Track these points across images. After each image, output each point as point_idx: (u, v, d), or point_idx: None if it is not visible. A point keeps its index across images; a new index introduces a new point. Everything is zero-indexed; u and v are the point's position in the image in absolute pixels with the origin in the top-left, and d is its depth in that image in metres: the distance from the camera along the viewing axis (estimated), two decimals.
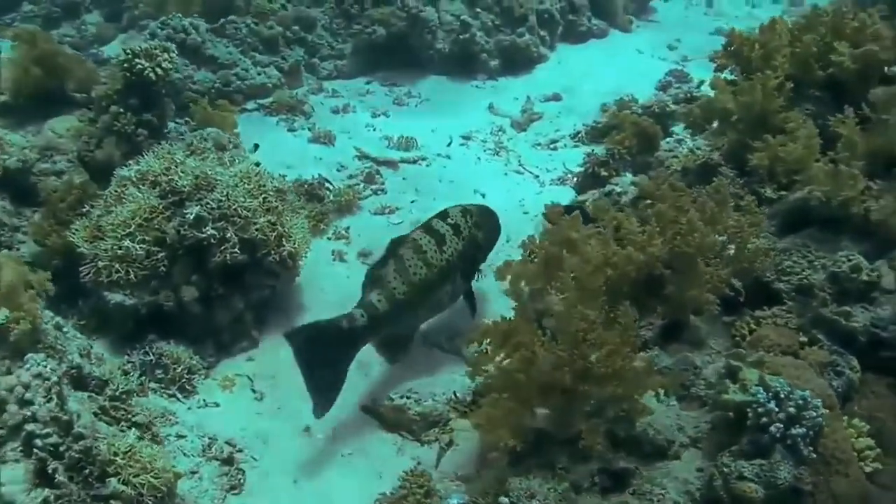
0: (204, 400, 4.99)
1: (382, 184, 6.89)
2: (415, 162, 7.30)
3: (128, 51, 5.87)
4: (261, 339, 5.39)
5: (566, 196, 6.78)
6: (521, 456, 3.83)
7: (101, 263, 5.01)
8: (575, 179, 6.56)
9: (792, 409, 3.52)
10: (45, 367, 3.95)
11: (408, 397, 4.99)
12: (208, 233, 5.02)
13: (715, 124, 5.96)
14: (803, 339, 4.33)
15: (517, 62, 9.21)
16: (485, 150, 7.65)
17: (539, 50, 9.29)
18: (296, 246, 5.30)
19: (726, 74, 5.98)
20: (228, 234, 5.05)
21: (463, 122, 8.04)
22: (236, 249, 5.06)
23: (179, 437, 4.68)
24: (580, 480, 3.67)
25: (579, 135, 7.89)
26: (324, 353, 4.62)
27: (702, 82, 7.92)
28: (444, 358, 5.38)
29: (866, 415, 4.03)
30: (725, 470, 3.55)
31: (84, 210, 5.32)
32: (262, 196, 5.24)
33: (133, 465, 3.88)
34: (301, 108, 7.95)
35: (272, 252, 5.20)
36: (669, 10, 11.47)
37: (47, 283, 4.45)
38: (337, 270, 5.96)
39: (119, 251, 5.00)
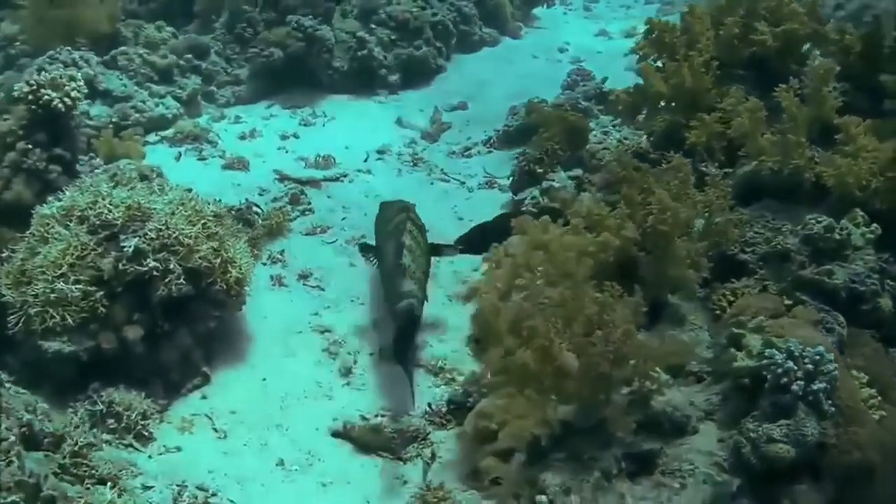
0: (164, 446, 4.63)
1: (309, 204, 6.63)
2: (337, 179, 7.08)
3: (31, 81, 5.45)
4: (212, 375, 5.04)
5: (497, 199, 6.72)
6: (537, 451, 3.70)
7: (32, 311, 4.60)
8: (509, 181, 6.42)
9: (809, 366, 3.52)
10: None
11: (382, 415, 4.76)
12: (150, 265, 4.67)
13: (644, 111, 6.00)
14: (788, 302, 4.34)
15: (416, 75, 9.09)
16: (402, 163, 7.49)
17: (437, 61, 9.18)
18: (242, 272, 4.99)
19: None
20: (171, 265, 4.71)
21: (374, 137, 7.87)
22: (181, 280, 4.73)
23: (146, 488, 4.32)
24: (609, 468, 3.55)
25: (491, 140, 7.84)
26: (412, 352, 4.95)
27: (605, 79, 8.00)
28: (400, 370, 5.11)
29: (862, 365, 4.05)
30: (752, 436, 3.51)
31: (3, 255, 4.88)
32: (202, 222, 4.92)
33: None
34: (206, 136, 7.60)
35: (218, 280, 4.89)
36: (551, 16, 11.55)
37: None
38: (278, 296, 5.67)
39: (52, 295, 4.60)
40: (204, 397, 4.95)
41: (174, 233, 4.74)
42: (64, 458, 3.96)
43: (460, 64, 9.46)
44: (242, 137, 7.84)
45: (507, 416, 3.51)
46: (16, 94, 5.55)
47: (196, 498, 4.27)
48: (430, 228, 6.17)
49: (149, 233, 4.71)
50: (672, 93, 5.61)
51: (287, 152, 7.53)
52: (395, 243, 5.03)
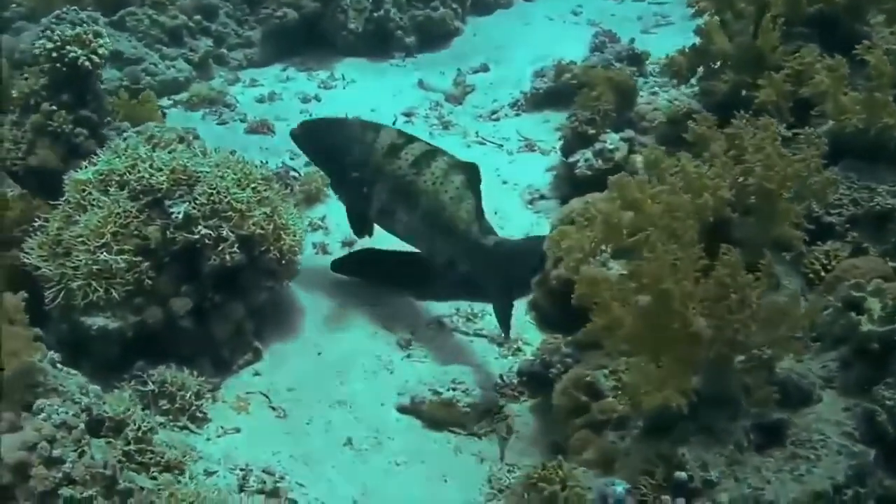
0: (221, 427, 4.30)
1: None
2: None
3: (55, 38, 5.03)
4: (264, 349, 4.71)
5: (540, 162, 6.43)
6: (658, 424, 3.42)
7: (74, 284, 4.22)
8: (559, 144, 6.10)
9: None
10: (67, 413, 3.23)
11: (454, 389, 4.44)
12: (201, 233, 4.31)
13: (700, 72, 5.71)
14: (893, 264, 4.08)
15: (433, 37, 8.71)
16: (430, 126, 7.14)
17: (454, 23, 8.82)
18: (296, 239, 4.64)
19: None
20: (224, 232, 4.36)
21: (398, 100, 7.52)
22: (235, 249, 4.37)
23: (209, 473, 3.98)
24: (740, 440, 3.27)
25: (518, 103, 7.51)
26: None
27: (633, 40, 7.71)
28: (463, 341, 4.94)
29: None
30: (889, 403, 3.24)
31: (35, 225, 4.49)
32: (252, 186, 4.56)
33: None
34: (222, 100, 7.21)
35: (271, 248, 4.54)
36: None
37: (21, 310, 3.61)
38: (323, 263, 5.32)
39: (95, 267, 4.23)
40: (257, 374, 4.63)
41: (225, 197, 4.39)
42: (128, 444, 3.60)
43: (476, 26, 9.10)
44: (261, 101, 7.45)
45: (641, 386, 3.19)
46: (37, 51, 5.12)
47: (264, 483, 3.94)
48: None
49: (198, 198, 4.35)
50: (737, 51, 5.31)
51: (310, 114, 7.14)
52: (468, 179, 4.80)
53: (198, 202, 4.33)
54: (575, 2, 9.66)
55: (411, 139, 5.02)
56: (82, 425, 3.22)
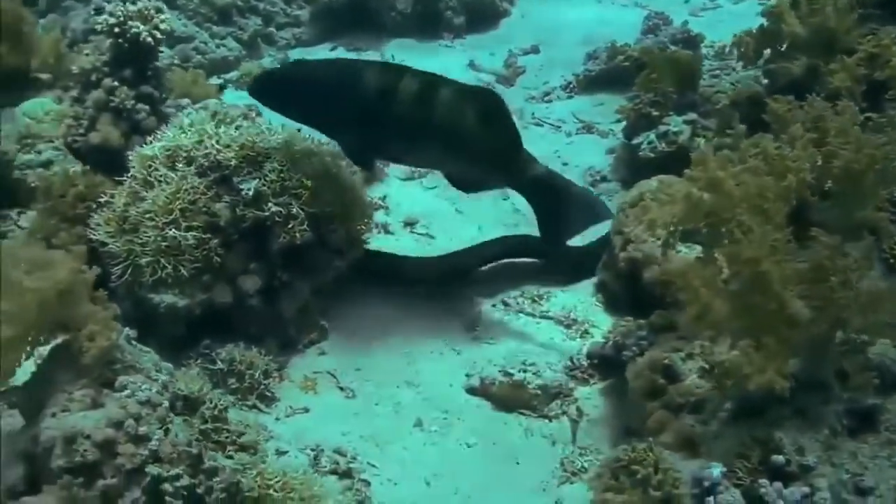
0: (290, 407, 4.25)
1: None
2: None
3: (118, 13, 4.96)
4: (330, 329, 4.64)
5: (599, 145, 6.35)
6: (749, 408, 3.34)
7: (143, 260, 4.17)
8: (625, 124, 6.01)
9: None
10: (151, 390, 3.18)
11: (524, 370, 4.37)
12: (271, 210, 4.25)
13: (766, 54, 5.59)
14: None
15: (482, 18, 8.65)
16: None
17: (503, 4, 8.75)
18: (364, 217, 4.58)
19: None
20: (294, 210, 4.29)
21: None
22: (305, 226, 4.31)
23: (280, 453, 3.93)
24: (834, 425, 3.20)
25: (571, 85, 7.43)
26: None
27: (685, 22, 7.61)
28: (530, 322, 4.83)
29: None
30: None
31: (101, 201, 4.43)
32: (322, 162, 4.49)
33: (293, 500, 3.15)
34: None
35: (340, 227, 4.48)
36: None
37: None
38: (386, 244, 5.26)
39: (164, 243, 4.18)
40: (323, 353, 4.56)
41: (296, 174, 4.32)
42: (204, 422, 3.53)
43: (524, 7, 9.02)
44: None
45: (742, 368, 3.11)
46: (99, 26, 5.07)
47: (337, 463, 3.88)
48: None
49: (268, 174, 4.29)
50: (810, 34, 5.20)
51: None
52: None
53: (268, 179, 4.26)
54: None
55: (400, 72, 4.46)
56: (166, 403, 3.16)
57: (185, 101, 5.39)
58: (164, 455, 3.03)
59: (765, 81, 5.60)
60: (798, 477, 3.08)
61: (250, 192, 4.23)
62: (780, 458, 3.06)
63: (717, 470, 3.06)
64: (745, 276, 3.19)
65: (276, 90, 4.62)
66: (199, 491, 3.03)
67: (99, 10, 6.63)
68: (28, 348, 3.11)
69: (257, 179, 4.26)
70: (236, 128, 4.56)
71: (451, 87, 4.38)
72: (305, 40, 8.12)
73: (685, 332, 3.80)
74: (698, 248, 4.43)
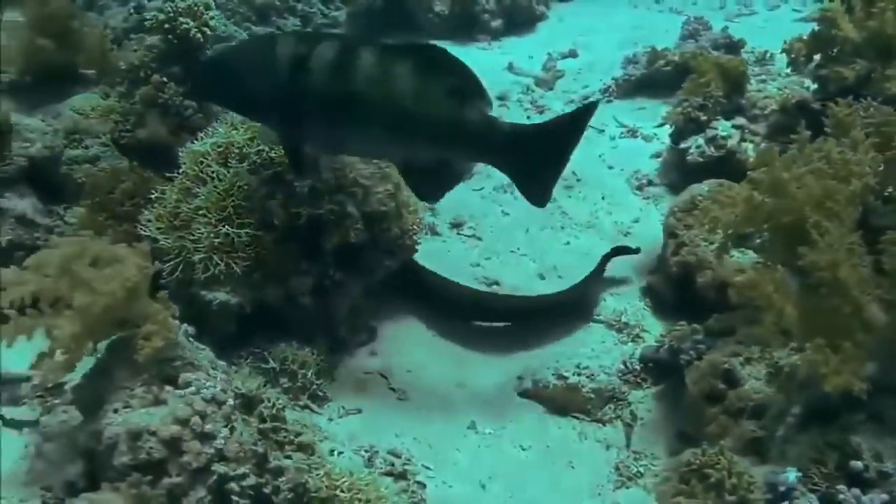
0: (342, 407, 4.20)
1: None
2: None
3: (168, 9, 4.94)
4: (380, 330, 4.60)
5: (644, 149, 6.30)
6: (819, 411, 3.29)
7: (195, 257, 4.13)
8: (670, 128, 5.95)
9: None
10: (216, 388, 3.13)
11: (578, 373, 4.33)
12: (326, 208, 4.20)
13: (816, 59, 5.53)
14: None
15: (519, 21, 8.63)
16: (525, 110, 7.03)
17: (539, 7, 8.72)
18: (416, 218, 4.54)
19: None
20: (349, 208, 4.24)
21: (488, 83, 7.31)
22: (359, 225, 4.26)
23: (335, 454, 3.88)
24: None
25: (610, 89, 7.37)
26: None
27: (726, 27, 7.58)
28: (581, 326, 4.80)
29: None
30: None
31: (152, 197, 4.40)
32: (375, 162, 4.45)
33: (360, 502, 3.11)
34: None
35: (393, 227, 4.43)
36: None
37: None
38: (434, 245, 5.23)
39: (216, 240, 4.13)
40: (373, 354, 4.51)
41: (350, 173, 4.28)
42: (263, 421, 3.49)
43: (560, 11, 9.01)
44: None
45: (818, 369, 3.06)
46: (148, 22, 5.05)
47: (392, 465, 3.84)
48: (580, 177, 5.82)
49: (323, 172, 4.24)
50: (865, 39, 5.14)
51: None
52: None
53: (323, 177, 4.21)
54: None
55: (316, 40, 3.76)
56: (231, 400, 3.12)
57: None
58: (230, 454, 2.98)
59: (813, 87, 5.56)
60: (876, 483, 3.03)
61: (305, 190, 4.17)
62: (858, 464, 3.01)
63: (792, 475, 3.01)
64: (823, 279, 3.14)
65: (207, 82, 4.12)
66: (266, 491, 2.99)
67: (139, 9, 6.68)
68: (91, 344, 3.07)
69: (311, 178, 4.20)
70: None
71: (377, 48, 3.64)
72: None
73: (755, 338, 3.74)
74: (750, 252, 4.43)
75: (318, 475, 3.06)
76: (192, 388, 3.10)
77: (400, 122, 3.67)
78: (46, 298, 3.01)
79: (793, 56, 5.45)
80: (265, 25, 7.56)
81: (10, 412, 4.02)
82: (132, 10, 6.91)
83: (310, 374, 4.16)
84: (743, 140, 5.58)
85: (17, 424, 4.01)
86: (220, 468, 2.93)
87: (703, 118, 5.59)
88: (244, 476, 2.96)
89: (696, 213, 4.57)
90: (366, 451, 3.91)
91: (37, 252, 3.15)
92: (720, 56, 6.11)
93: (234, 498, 2.92)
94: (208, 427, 2.99)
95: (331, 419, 4.12)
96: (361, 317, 4.55)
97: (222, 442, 2.98)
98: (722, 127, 5.59)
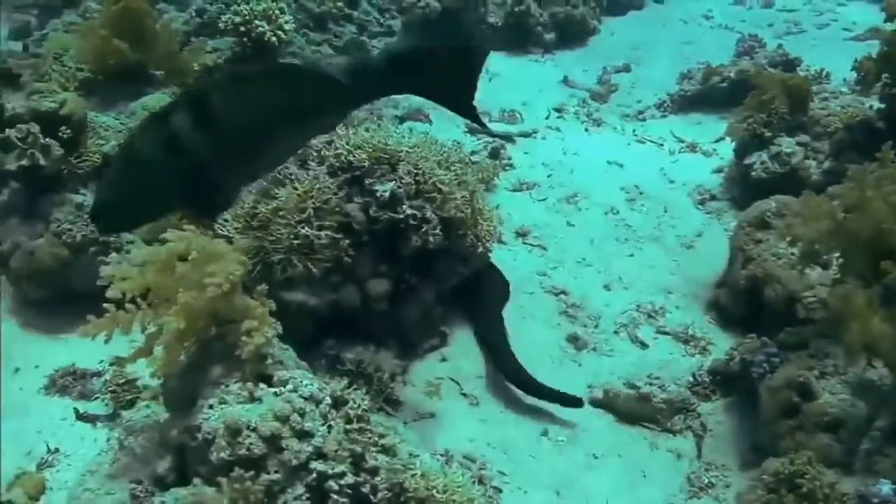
0: (416, 411, 4.22)
1: (509, 158, 6.21)
2: (528, 135, 6.66)
3: (244, 12, 5.00)
4: (450, 336, 4.62)
5: (704, 164, 6.33)
6: None
7: (274, 258, 4.17)
8: (732, 144, 5.97)
9: None
10: (314, 386, 3.15)
11: (650, 383, 4.36)
12: (406, 213, 4.24)
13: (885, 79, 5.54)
14: None
15: (572, 34, 8.70)
16: (583, 122, 7.06)
17: (592, 21, 8.77)
18: (491, 225, 4.57)
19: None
20: (428, 214, 4.28)
21: (544, 95, 7.47)
22: (437, 231, 4.29)
23: (412, 457, 3.88)
24: None
25: (664, 104, 7.41)
26: None
27: (780, 45, 7.61)
28: (647, 336, 4.82)
29: None
30: None
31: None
32: (452, 168, 4.49)
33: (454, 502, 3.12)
34: None
35: (468, 233, 4.46)
36: None
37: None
38: (500, 254, 5.23)
39: (295, 241, 4.17)
40: (444, 359, 4.53)
41: (430, 178, 4.31)
42: (350, 422, 3.51)
43: (611, 26, 9.07)
44: None
45: None
46: (223, 24, 5.11)
47: (468, 469, 3.86)
48: (643, 190, 5.85)
49: (403, 177, 4.28)
50: None
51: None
52: None
53: (403, 182, 4.25)
54: (704, 6, 9.61)
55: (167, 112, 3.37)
56: (328, 399, 3.13)
57: None
58: (328, 452, 2.99)
59: (878, 106, 5.57)
60: None
61: (386, 194, 4.20)
62: None
63: (886, 486, 3.02)
64: None
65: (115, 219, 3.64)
66: (364, 490, 2.99)
67: (201, 13, 6.72)
68: (191, 340, 3.10)
69: (393, 182, 4.23)
70: (366, 129, 4.55)
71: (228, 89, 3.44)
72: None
73: (789, 340, 3.76)
74: (818, 268, 4.45)
75: (416, 476, 3.06)
76: (290, 386, 3.11)
77: (300, 121, 3.56)
78: (150, 293, 3.04)
79: (863, 74, 5.47)
80: (322, 33, 7.61)
81: (84, 406, 4.10)
82: (194, 14, 6.97)
83: (385, 377, 4.19)
84: (807, 157, 5.59)
85: (91, 418, 4.08)
86: (318, 466, 2.94)
87: (768, 134, 5.61)
88: (342, 474, 2.96)
89: (776, 226, 4.59)
90: (441, 456, 3.94)
91: (134, 247, 3.19)
92: (784, 74, 6.13)
93: (334, 496, 2.91)
94: (307, 425, 3.00)
95: (405, 423, 4.14)
96: (432, 322, 4.56)
97: (321, 440, 2.99)
98: (786, 144, 5.60)
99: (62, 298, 4.52)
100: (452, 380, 4.41)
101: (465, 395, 4.36)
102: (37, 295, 4.62)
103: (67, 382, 4.24)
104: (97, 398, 4.16)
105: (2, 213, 4.89)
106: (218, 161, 3.45)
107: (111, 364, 4.27)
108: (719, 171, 6.14)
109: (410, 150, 4.40)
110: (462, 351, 4.57)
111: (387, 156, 4.35)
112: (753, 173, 5.56)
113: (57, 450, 3.87)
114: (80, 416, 4.09)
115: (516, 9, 8.25)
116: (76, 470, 3.66)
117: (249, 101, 3.42)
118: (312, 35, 7.50)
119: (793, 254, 4.51)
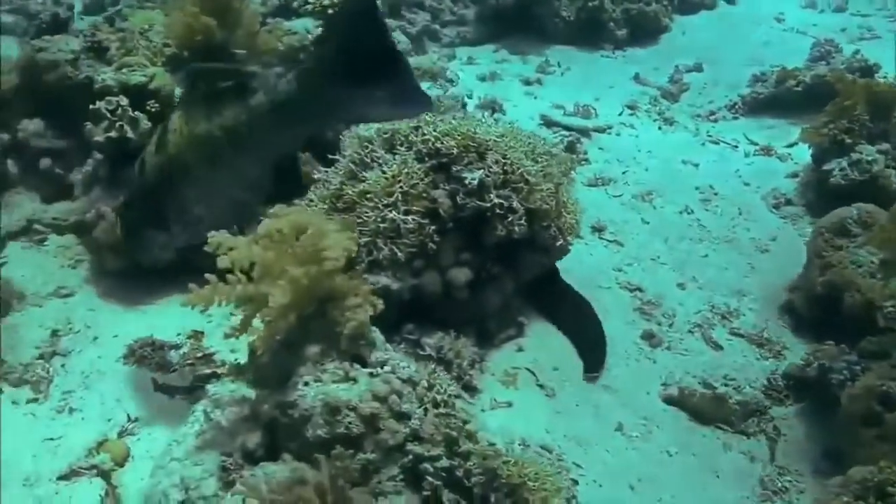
0: (494, 399, 4.24)
1: (585, 153, 6.22)
2: (603, 130, 6.65)
3: None
4: (527, 326, 4.64)
5: (778, 167, 6.30)
6: None
7: (362, 240, 4.20)
8: (809, 149, 5.94)
9: None
10: (411, 368, 3.18)
11: (726, 384, 4.36)
12: (493, 202, 4.25)
13: None
14: None
15: (644, 32, 8.67)
16: (654, 121, 7.05)
17: (665, 19, 8.73)
18: (575, 218, 4.57)
19: None
20: (514, 203, 4.28)
21: (615, 92, 7.46)
22: (523, 221, 4.30)
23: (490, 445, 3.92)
24: None
25: (736, 106, 7.36)
26: None
27: (857, 51, 7.52)
28: (721, 338, 4.82)
29: None
30: None
31: (314, 177, 4.49)
32: (538, 159, 4.49)
33: (547, 491, 3.12)
34: (444, 74, 7.19)
35: (552, 225, 4.47)
36: None
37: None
38: (576, 248, 5.22)
39: (382, 225, 4.19)
40: (520, 349, 4.54)
41: (518, 168, 4.32)
42: (436, 406, 3.54)
43: (683, 25, 9.03)
44: (483, 79, 7.45)
45: None
46: (310, 6, 5.14)
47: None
48: (717, 191, 5.84)
49: (492, 166, 4.29)
50: None
51: (535, 98, 7.11)
52: None
53: (492, 171, 4.26)
54: (776, 8, 9.51)
55: None
56: (425, 382, 3.17)
57: None
58: (424, 434, 3.02)
59: None
60: None
61: (474, 182, 4.21)
62: None
63: None
64: None
65: None
66: (458, 474, 3.01)
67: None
68: (293, 317, 3.12)
69: (481, 170, 4.24)
70: (453, 117, 4.57)
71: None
72: (470, 39, 8.17)
73: (870, 349, 3.77)
74: None
75: (506, 462, 3.09)
76: (388, 368, 3.14)
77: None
78: (254, 266, 3.07)
79: None
80: (395, 19, 7.64)
81: (162, 378, 4.15)
82: None
83: (465, 363, 4.21)
84: (888, 166, 5.54)
85: (169, 390, 4.14)
86: (415, 448, 2.97)
87: (848, 141, 5.57)
88: (438, 458, 2.98)
89: (857, 233, 4.58)
90: (519, 445, 3.95)
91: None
92: (869, 80, 6.07)
93: (429, 478, 2.94)
94: (405, 407, 3.03)
95: (483, 410, 4.16)
96: (510, 311, 4.58)
97: (417, 422, 3.02)
98: (867, 151, 5.56)
99: (139, 269, 4.61)
100: (529, 370, 4.43)
101: (541, 386, 4.37)
102: (115, 265, 4.70)
103: (146, 353, 4.26)
104: (175, 370, 4.19)
105: (86, 183, 4.97)
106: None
107: (188, 337, 4.33)
108: (794, 175, 6.12)
109: (498, 140, 4.40)
110: (539, 342, 4.59)
111: (475, 144, 4.35)
112: (832, 180, 5.53)
113: (137, 419, 3.93)
114: (159, 387, 4.14)
115: (589, 4, 8.23)
116: (156, 440, 3.76)
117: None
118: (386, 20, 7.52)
119: (873, 262, 4.51)
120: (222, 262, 3.00)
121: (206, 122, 3.89)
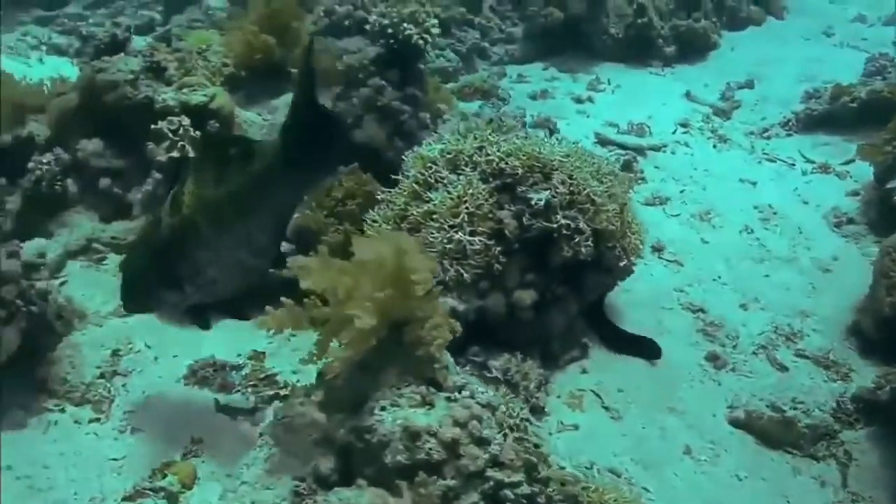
0: (561, 422, 4.21)
1: (641, 172, 6.19)
2: (658, 149, 6.63)
3: (393, 14, 5.05)
4: (591, 348, 4.61)
5: (838, 185, 6.25)
6: None
7: None
8: (870, 167, 5.87)
9: None
10: (489, 393, 3.16)
11: (794, 408, 4.30)
12: (559, 222, 4.23)
13: None
14: None
15: (692, 48, 8.64)
16: (708, 139, 7.00)
17: (713, 36, 8.70)
18: (639, 238, 4.55)
19: None
20: (580, 224, 4.26)
21: (667, 109, 7.42)
22: (589, 242, 4.27)
23: (559, 468, 3.89)
24: None
25: (790, 123, 7.29)
26: None
27: None
28: (786, 360, 4.75)
29: None
30: None
31: (378, 198, 4.50)
32: (604, 179, 4.47)
33: None
34: (495, 92, 7.19)
35: (617, 246, 4.44)
36: None
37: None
38: (636, 268, 5.22)
39: (448, 245, 4.18)
40: (584, 371, 4.51)
41: (584, 189, 4.30)
42: (510, 430, 3.51)
43: (731, 41, 8.98)
44: (533, 97, 7.44)
45: None
46: (368, 27, 5.17)
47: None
48: (777, 210, 5.79)
49: (558, 186, 4.27)
50: None
51: (588, 116, 7.09)
52: None
53: (558, 191, 4.24)
54: (824, 22, 9.47)
55: None
56: (504, 407, 3.14)
57: (443, 106, 5.42)
58: (504, 460, 2.99)
59: None
60: None
61: (541, 203, 4.20)
62: None
63: None
64: None
65: None
66: (540, 501, 2.99)
67: (329, 13, 6.78)
68: (375, 338, 3.11)
69: (548, 190, 4.22)
70: (518, 137, 4.56)
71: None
72: (518, 57, 8.17)
73: None
74: None
75: (586, 489, 3.06)
76: (467, 392, 3.12)
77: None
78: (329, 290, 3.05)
79: None
80: (446, 37, 7.65)
81: (224, 399, 4.15)
82: (322, 13, 7.05)
83: (531, 386, 4.18)
84: None
85: (231, 411, 4.14)
86: (495, 474, 2.94)
87: None
88: (518, 484, 2.96)
89: None
90: (585, 468, 3.92)
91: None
92: None
93: None
94: (486, 432, 3.01)
95: (550, 433, 4.14)
96: (574, 333, 4.56)
97: (497, 448, 3.00)
98: None
99: None
100: (594, 392, 4.40)
101: (606, 408, 4.34)
102: None
103: (207, 374, 4.28)
104: (237, 391, 4.19)
105: (145, 203, 5.01)
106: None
107: (249, 357, 4.34)
108: (855, 193, 6.04)
109: (563, 160, 4.39)
110: (603, 364, 4.56)
111: (540, 164, 4.34)
112: (895, 198, 5.45)
113: (200, 440, 3.91)
114: (221, 408, 4.14)
115: (638, 20, 8.20)
116: (220, 462, 3.76)
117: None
118: (437, 39, 7.53)
119: None
120: (304, 284, 3.00)
121: (214, 186, 3.75)
